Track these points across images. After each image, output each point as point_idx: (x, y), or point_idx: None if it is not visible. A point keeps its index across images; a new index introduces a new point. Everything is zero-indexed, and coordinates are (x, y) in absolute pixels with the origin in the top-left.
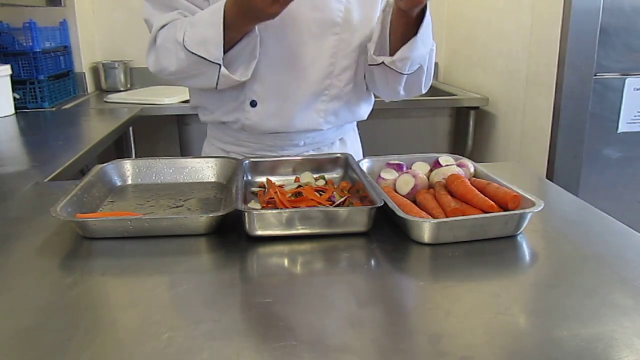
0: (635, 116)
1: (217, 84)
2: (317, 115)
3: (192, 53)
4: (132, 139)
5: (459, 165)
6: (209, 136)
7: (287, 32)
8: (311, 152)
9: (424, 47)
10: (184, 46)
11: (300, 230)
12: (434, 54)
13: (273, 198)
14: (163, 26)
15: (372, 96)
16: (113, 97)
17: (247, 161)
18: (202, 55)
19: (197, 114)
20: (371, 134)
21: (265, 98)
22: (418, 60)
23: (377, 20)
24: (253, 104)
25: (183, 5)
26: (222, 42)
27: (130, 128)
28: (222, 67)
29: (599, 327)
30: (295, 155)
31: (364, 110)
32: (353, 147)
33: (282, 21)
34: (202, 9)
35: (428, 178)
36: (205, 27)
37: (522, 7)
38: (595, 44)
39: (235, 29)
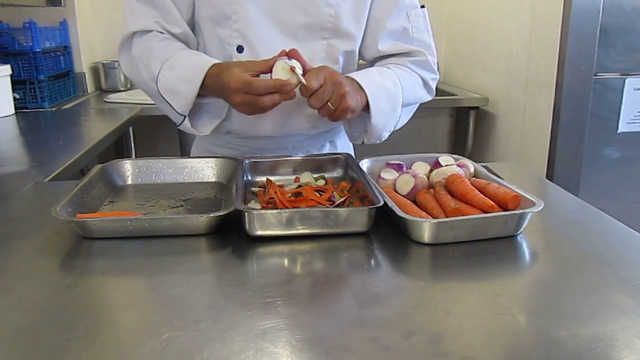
0: (635, 116)
1: (178, 126)
2: (306, 120)
3: (162, 96)
4: (132, 139)
5: (459, 165)
6: (197, 138)
7: (273, 35)
8: (300, 155)
9: (388, 116)
10: (157, 85)
11: (300, 230)
12: (407, 91)
13: (273, 198)
14: (137, 32)
15: None
16: (113, 97)
17: (247, 161)
18: (171, 104)
19: None
20: None
21: None
22: (392, 124)
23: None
24: None
25: (166, 7)
26: (193, 100)
27: (130, 128)
28: (186, 119)
29: (599, 327)
30: (295, 155)
31: None
32: (343, 149)
33: (268, 25)
34: (182, 15)
35: (428, 178)
36: (182, 81)
37: (522, 7)
38: (595, 44)
39: (210, 92)
